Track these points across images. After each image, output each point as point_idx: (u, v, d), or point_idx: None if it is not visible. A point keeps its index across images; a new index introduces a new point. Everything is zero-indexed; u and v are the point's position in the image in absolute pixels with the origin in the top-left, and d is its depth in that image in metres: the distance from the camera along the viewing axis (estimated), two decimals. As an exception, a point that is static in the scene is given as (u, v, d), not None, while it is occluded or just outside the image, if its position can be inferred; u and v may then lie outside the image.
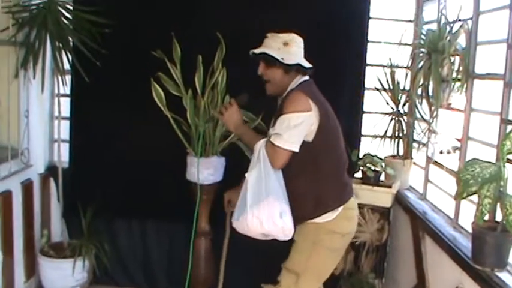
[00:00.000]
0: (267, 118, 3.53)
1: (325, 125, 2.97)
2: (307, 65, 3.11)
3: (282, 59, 3.03)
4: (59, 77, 3.97)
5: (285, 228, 2.93)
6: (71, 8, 3.97)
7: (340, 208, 3.04)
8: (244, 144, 3.24)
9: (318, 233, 3.04)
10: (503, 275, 2.74)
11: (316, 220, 3.03)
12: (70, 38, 3.93)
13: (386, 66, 4.45)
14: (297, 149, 2.91)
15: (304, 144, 2.94)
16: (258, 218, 2.88)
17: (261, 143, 2.98)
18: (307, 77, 3.13)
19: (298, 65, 3.08)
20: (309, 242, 3.06)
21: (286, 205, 2.94)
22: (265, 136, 3.07)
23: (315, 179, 3.02)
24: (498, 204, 2.72)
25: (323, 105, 3.00)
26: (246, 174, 2.98)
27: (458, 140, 3.68)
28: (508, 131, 2.80)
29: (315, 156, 2.99)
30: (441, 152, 3.93)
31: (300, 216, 3.04)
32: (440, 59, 3.75)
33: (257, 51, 3.09)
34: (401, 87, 4.42)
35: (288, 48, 3.06)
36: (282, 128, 2.89)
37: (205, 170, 3.75)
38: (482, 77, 3.46)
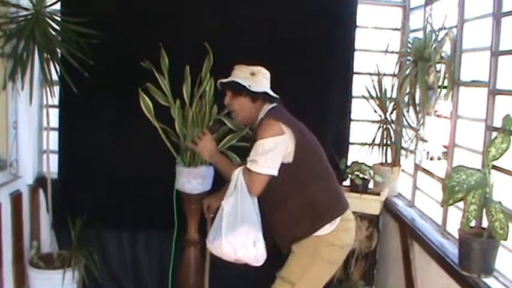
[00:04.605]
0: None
1: (302, 143, 3.00)
2: (273, 94, 3.15)
3: (249, 86, 3.07)
4: (47, 88, 3.96)
5: (258, 255, 2.99)
6: (58, 19, 3.95)
7: (338, 219, 3.05)
8: (220, 172, 3.28)
9: (317, 246, 3.04)
10: (489, 281, 2.77)
11: (315, 233, 3.03)
12: (58, 49, 3.92)
13: (373, 74, 4.49)
14: (274, 173, 2.94)
15: (286, 167, 2.97)
16: (232, 245, 2.94)
17: (237, 171, 3.00)
18: (274, 104, 3.16)
19: (265, 93, 3.12)
20: (309, 254, 3.06)
21: (259, 233, 3.00)
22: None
23: (305, 198, 3.03)
24: (484, 211, 2.75)
25: (296, 126, 3.03)
26: (222, 202, 3.01)
27: (445, 147, 3.71)
28: (492, 137, 2.83)
29: (299, 175, 3.01)
30: (431, 159, 3.96)
31: (298, 236, 3.07)
32: (426, 66, 3.79)
33: (225, 80, 3.15)
34: (389, 95, 4.45)
35: (255, 77, 3.11)
36: (257, 154, 2.93)
37: (193, 180, 3.75)
38: (467, 84, 3.50)
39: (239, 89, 3.10)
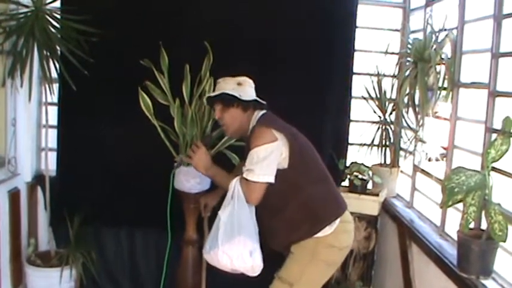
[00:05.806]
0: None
1: (297, 147, 3.00)
2: (261, 101, 3.16)
3: (240, 95, 3.06)
4: (47, 86, 3.95)
5: (254, 265, 2.98)
6: (58, 16, 3.95)
7: (337, 221, 3.05)
8: (217, 184, 3.28)
9: (316, 247, 3.04)
10: (488, 283, 2.77)
11: (315, 235, 3.03)
12: (57, 47, 3.92)
13: (373, 75, 4.49)
14: (271, 180, 2.93)
15: (281, 172, 2.96)
16: (228, 255, 2.93)
17: (235, 181, 2.98)
18: (264, 111, 3.16)
19: (255, 101, 3.12)
20: (308, 255, 3.05)
21: (257, 243, 2.98)
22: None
23: (303, 202, 3.02)
24: (483, 212, 2.75)
25: (288, 131, 3.02)
26: (219, 212, 3.00)
27: (444, 148, 3.71)
28: (492, 139, 2.83)
29: (295, 180, 3.00)
30: (430, 160, 3.96)
31: (296, 239, 3.07)
32: (426, 67, 3.79)
33: (213, 94, 3.14)
34: (388, 96, 4.45)
35: (242, 87, 3.11)
36: (252, 163, 2.92)
37: (192, 179, 3.75)
38: (467, 85, 3.50)
39: (230, 101, 3.07)
